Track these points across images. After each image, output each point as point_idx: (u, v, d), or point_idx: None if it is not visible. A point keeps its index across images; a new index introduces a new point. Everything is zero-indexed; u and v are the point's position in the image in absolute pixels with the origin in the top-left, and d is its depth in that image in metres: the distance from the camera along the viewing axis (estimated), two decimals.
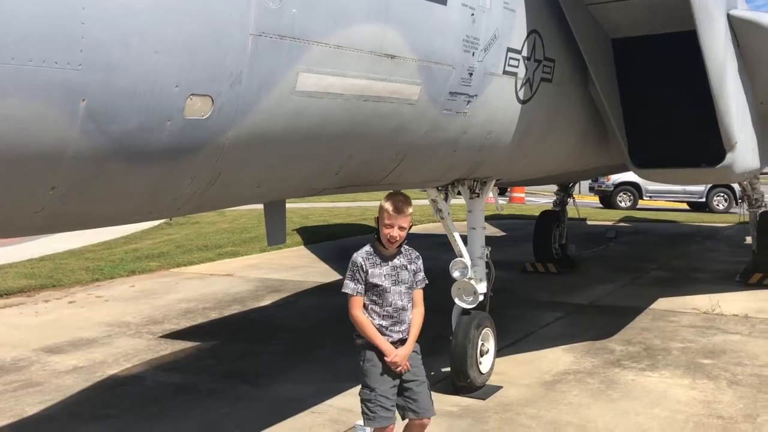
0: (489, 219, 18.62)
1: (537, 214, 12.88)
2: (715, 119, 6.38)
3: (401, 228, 3.92)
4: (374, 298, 3.98)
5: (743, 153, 7.14)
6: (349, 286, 3.99)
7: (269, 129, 3.31)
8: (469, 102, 4.86)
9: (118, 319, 8.75)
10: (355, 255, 4.03)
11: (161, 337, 7.90)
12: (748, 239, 11.45)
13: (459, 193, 6.38)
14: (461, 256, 6.10)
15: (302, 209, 21.26)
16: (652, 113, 6.92)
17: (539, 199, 26.00)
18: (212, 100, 2.93)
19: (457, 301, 6.10)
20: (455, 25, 4.44)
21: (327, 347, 7.33)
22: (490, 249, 6.37)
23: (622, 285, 10.48)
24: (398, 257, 4.05)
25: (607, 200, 24.18)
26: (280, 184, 3.88)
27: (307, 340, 7.64)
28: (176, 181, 3.08)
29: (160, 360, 7.03)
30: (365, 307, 4.00)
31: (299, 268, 12.30)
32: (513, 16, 5.16)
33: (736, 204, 21.91)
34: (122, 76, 2.61)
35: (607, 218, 19.92)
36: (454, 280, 6.10)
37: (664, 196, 23.14)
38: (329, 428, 5.23)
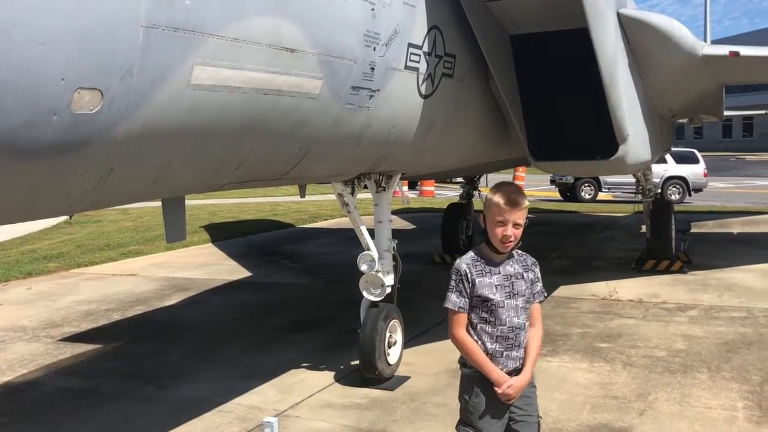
0: (399, 212, 18.83)
1: (446, 206, 13.11)
2: (608, 113, 6.69)
3: (516, 225, 3.15)
4: (485, 315, 3.21)
5: (635, 145, 7.51)
6: (451, 300, 3.22)
7: (164, 123, 3.23)
8: (371, 96, 4.90)
9: (13, 323, 8.34)
10: (458, 261, 3.29)
11: (60, 340, 7.59)
12: (644, 228, 12.02)
13: (366, 187, 6.43)
14: (368, 250, 6.15)
15: (210, 205, 20.85)
16: (550, 107, 7.17)
17: (449, 192, 26.46)
18: (102, 94, 2.84)
19: (365, 293, 6.15)
20: (355, 19, 4.46)
21: (234, 345, 7.24)
22: (396, 242, 6.44)
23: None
24: (511, 263, 3.27)
25: (569, 193, 24.50)
26: (177, 179, 3.79)
27: (214, 339, 7.51)
28: (64, 178, 2.97)
29: (59, 364, 6.76)
30: (473, 326, 3.23)
31: (207, 266, 12.07)
32: (413, 11, 5.23)
33: (689, 195, 23.00)
34: (3, 69, 2.49)
35: None
36: (361, 273, 6.15)
37: (622, 188, 23.70)
38: (236, 426, 5.17)
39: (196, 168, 3.82)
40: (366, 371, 5.91)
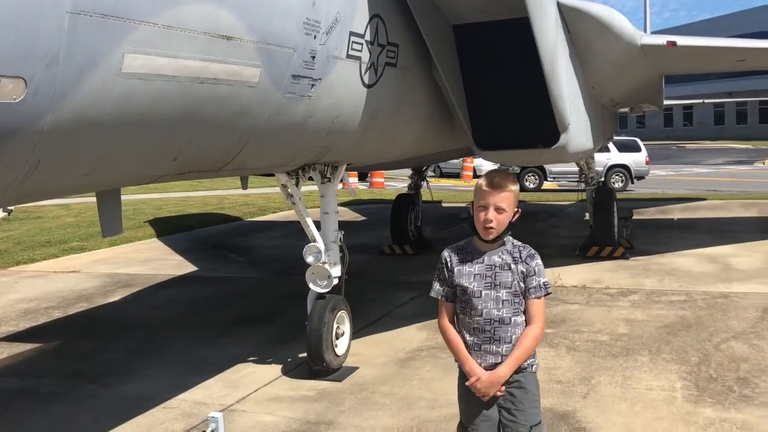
0: (349, 204, 18.78)
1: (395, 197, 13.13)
2: (550, 103, 6.76)
3: (499, 209, 2.97)
4: (463, 306, 3.09)
5: (576, 134, 7.62)
6: (434, 288, 3.17)
7: (95, 113, 3.13)
8: (313, 85, 4.85)
9: None
10: (444, 249, 3.20)
11: None
12: (587, 216, 12.26)
13: (311, 178, 6.38)
14: (314, 241, 6.10)
15: (155, 200, 20.44)
16: (493, 97, 7.21)
17: (399, 183, 26.51)
18: (25, 83, 2.73)
19: (311, 285, 6.11)
20: (295, 7, 4.40)
21: (179, 341, 7.12)
22: (343, 233, 6.41)
23: None
24: (499, 253, 3.08)
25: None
26: (111, 171, 3.68)
27: (158, 335, 7.37)
28: None
29: None
30: (456, 317, 3.14)
31: (152, 261, 11.83)
32: (354, 0, 5.19)
33: (632, 182, 23.47)
34: None
35: (460, 200, 20.65)
36: (308, 265, 6.10)
37: (566, 177, 24.05)
38: (181, 422, 5.08)
39: (131, 159, 3.72)
40: (313, 363, 5.88)
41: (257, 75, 4.16)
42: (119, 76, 3.17)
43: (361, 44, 5.39)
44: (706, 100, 50.33)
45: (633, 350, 6.30)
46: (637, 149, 23.71)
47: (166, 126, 3.67)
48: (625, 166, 23.20)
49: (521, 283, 3.06)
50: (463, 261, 3.09)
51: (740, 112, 62.76)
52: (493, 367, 3.03)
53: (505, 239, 3.10)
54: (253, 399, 5.50)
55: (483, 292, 3.04)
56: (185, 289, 9.59)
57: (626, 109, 15.05)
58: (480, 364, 3.04)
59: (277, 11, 4.21)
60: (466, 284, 3.06)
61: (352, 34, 5.20)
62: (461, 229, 14.42)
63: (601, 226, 10.98)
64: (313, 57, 4.70)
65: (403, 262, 11.18)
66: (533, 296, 3.07)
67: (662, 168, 31.95)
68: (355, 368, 6.09)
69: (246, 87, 4.12)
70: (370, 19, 5.47)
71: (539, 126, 7.14)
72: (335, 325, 6.02)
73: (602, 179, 17.12)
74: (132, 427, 5.03)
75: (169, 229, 15.41)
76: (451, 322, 3.15)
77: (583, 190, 12.60)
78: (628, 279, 9.20)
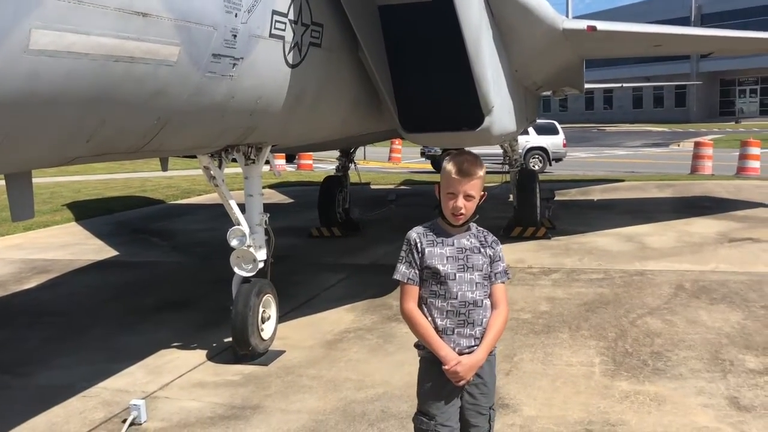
0: (276, 186, 18.55)
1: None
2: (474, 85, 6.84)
3: (468, 197, 2.94)
4: (434, 288, 3.01)
5: (500, 117, 7.74)
6: (400, 271, 3.04)
7: (0, 91, 2.97)
8: (234, 65, 4.74)
9: None
10: (409, 231, 3.08)
11: None
12: (511, 197, 12.50)
13: (234, 160, 6.26)
14: (239, 224, 6.01)
15: (74, 182, 19.69)
16: (419, 79, 7.23)
17: (327, 165, 26.39)
18: None
19: (236, 269, 6.02)
20: None
21: (99, 327, 6.91)
22: (269, 215, 6.33)
23: (399, 244, 10.96)
24: (467, 237, 3.06)
25: (438, 165, 25.10)
26: (19, 153, 3.51)
27: (77, 322, 7.14)
28: None
29: None
30: (423, 302, 3.04)
31: (70, 246, 11.40)
32: None
33: (550, 165, 24.02)
34: None
35: (389, 182, 20.73)
36: (232, 249, 6.01)
37: (490, 159, 24.39)
38: (102, 411, 4.95)
39: (41, 141, 3.56)
40: (239, 348, 5.81)
41: (175, 54, 4.04)
42: (26, 53, 3.01)
43: (285, 23, 5.30)
44: (625, 84, 52.03)
45: (554, 327, 6.48)
46: (555, 132, 24.30)
47: (79, 106, 3.52)
48: (543, 149, 23.76)
49: (488, 267, 3.05)
50: (432, 243, 3.01)
51: (657, 95, 65.23)
52: (466, 351, 2.98)
53: (470, 224, 3.09)
54: (177, 385, 5.40)
55: (457, 275, 2.99)
56: (105, 275, 9.30)
57: (549, 93, 15.38)
58: (454, 349, 2.96)
59: None
60: (440, 266, 2.98)
61: (274, 12, 5.10)
62: (390, 210, 14.51)
63: (524, 207, 11.23)
64: (234, 36, 4.59)
65: (332, 244, 11.15)
66: (499, 281, 3.08)
67: (583, 150, 32.87)
68: (282, 352, 6.06)
69: (164, 66, 4.00)
70: None
71: (464, 109, 7.21)
72: (261, 309, 5.96)
73: (523, 161, 17.49)
74: (48, 418, 4.87)
75: (89, 212, 14.89)
76: (418, 306, 3.04)
77: (507, 172, 12.84)
78: (550, 258, 9.45)
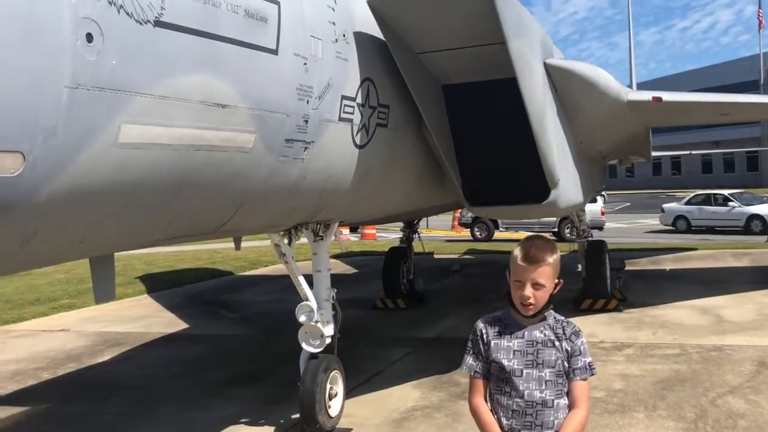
0: (341, 257, 18.70)
1: (387, 250, 13.14)
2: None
3: (537, 285, 2.73)
4: (500, 384, 2.79)
5: (566, 189, 7.71)
6: (466, 362, 2.87)
7: (90, 183, 3.16)
8: (306, 148, 4.91)
9: None
10: (478, 321, 2.92)
11: None
12: (579, 267, 12.28)
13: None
14: (307, 300, 6.09)
15: (146, 255, 20.35)
16: (484, 153, 7.30)
17: (390, 234, 26.57)
18: (24, 157, 2.77)
19: (304, 345, 6.07)
20: (288, 74, 4.49)
21: (170, 403, 7.01)
22: (336, 290, 6.40)
23: (466, 317, 10.87)
24: (541, 328, 2.83)
25: (471, 231, 25.47)
26: (105, 238, 3.70)
27: (149, 397, 7.27)
28: None
29: None
30: (490, 396, 2.83)
31: (142, 318, 11.72)
32: (346, 65, 5.30)
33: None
34: None
35: (452, 251, 20.68)
36: (300, 325, 6.08)
37: (517, 226, 24.40)
38: None
39: (125, 226, 3.74)
40: (307, 425, 5.80)
41: (251, 140, 4.22)
42: (115, 147, 3.21)
43: (353, 107, 5.48)
44: (694, 152, 51.05)
45: (629, 407, 6.25)
46: (593, 200, 24.04)
47: (161, 193, 3.70)
48: None
49: (565, 363, 2.79)
50: (500, 334, 2.81)
51: (728, 160, 63.63)
52: None
53: (546, 313, 2.84)
54: None
55: (524, 371, 2.75)
56: (176, 348, 9.49)
57: (615, 161, 15.26)
58: None
59: (271, 79, 4.30)
60: (505, 361, 2.77)
61: (344, 97, 5.29)
62: (454, 281, 14.44)
63: (593, 279, 11.01)
64: (306, 121, 4.77)
65: (396, 316, 11.13)
66: (578, 378, 2.79)
67: (653, 217, 32.14)
68: (349, 430, 6.01)
69: (240, 152, 4.18)
70: (362, 83, 5.58)
71: (529, 181, 7.22)
72: (328, 386, 5.96)
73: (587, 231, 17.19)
74: None
75: (160, 285, 15.32)
76: (485, 400, 2.84)
77: (575, 241, 12.66)
78: (622, 332, 9.18)
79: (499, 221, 24.68)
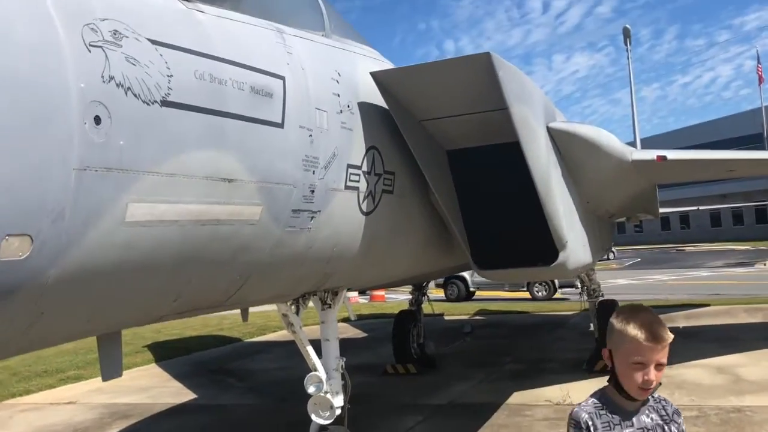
0: (349, 320, 18.52)
1: (397, 311, 13.04)
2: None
3: (659, 366, 2.51)
4: None
5: (575, 250, 7.68)
6: None
7: (98, 263, 3.16)
8: (313, 218, 4.92)
9: None
10: (576, 409, 2.66)
11: None
12: (592, 326, 12.13)
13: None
14: (315, 370, 6.01)
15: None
16: (490, 216, 7.31)
17: (400, 296, 26.41)
18: (31, 239, 2.77)
19: (313, 417, 5.95)
20: (294, 146, 4.53)
21: None
22: (345, 359, 6.32)
23: (479, 381, 10.71)
24: (646, 412, 2.64)
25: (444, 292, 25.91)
26: (112, 317, 3.67)
27: None
28: None
29: None
30: None
31: (150, 389, 11.58)
32: (351, 134, 5.36)
33: (555, 291, 24.20)
34: None
35: (463, 312, 20.50)
36: (309, 396, 5.98)
37: (490, 286, 24.58)
38: None
39: (132, 304, 3.72)
40: None
41: (258, 213, 4.23)
42: (123, 225, 3.22)
43: (359, 175, 5.51)
44: (701, 207, 51.04)
45: None
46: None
47: (167, 269, 3.69)
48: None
49: None
50: (609, 425, 2.56)
51: (736, 212, 63.49)
52: None
53: None
54: None
55: None
56: (184, 419, 9.35)
57: (623, 219, 15.24)
58: None
59: (277, 151, 4.34)
60: None
61: (349, 166, 5.33)
62: (465, 343, 14.27)
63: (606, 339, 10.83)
64: (313, 191, 4.80)
65: (407, 382, 10.96)
66: None
67: (663, 273, 31.92)
68: None
69: (247, 225, 4.18)
70: (367, 151, 5.63)
71: (537, 244, 7.20)
72: None
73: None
74: None
75: (168, 353, 15.20)
76: None
77: (586, 300, 12.53)
78: None
79: (469, 282, 24.75)
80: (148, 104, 3.28)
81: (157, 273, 3.63)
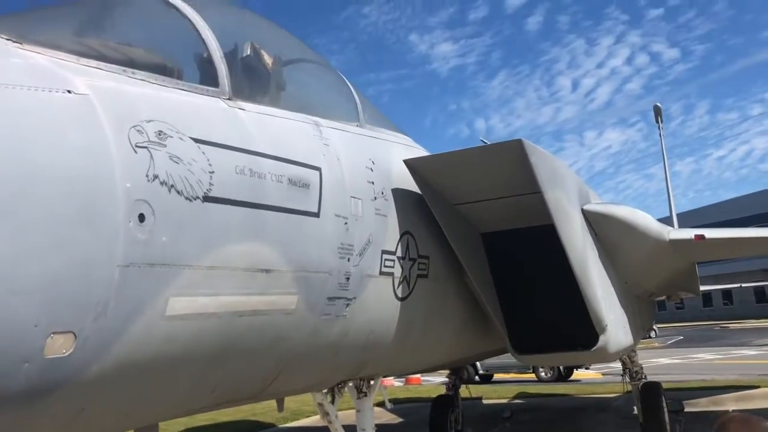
0: (385, 404, 18.10)
1: (433, 395, 12.78)
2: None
3: None
4: None
5: (615, 333, 7.52)
6: None
7: (138, 357, 3.20)
8: (348, 305, 4.93)
9: None
10: None
11: None
12: (636, 410, 11.72)
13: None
14: None
15: None
16: (528, 301, 7.24)
17: (436, 378, 25.89)
18: (75, 336, 2.83)
19: None
20: (329, 234, 4.60)
21: None
22: None
23: None
24: None
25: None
26: (150, 409, 3.68)
27: None
28: (32, 423, 2.88)
29: None
30: None
31: None
32: (385, 220, 5.43)
33: (560, 373, 23.77)
34: None
35: (501, 395, 19.98)
36: None
37: (498, 368, 24.04)
38: None
39: (170, 397, 3.73)
40: None
41: (294, 302, 4.26)
42: (163, 320, 3.27)
43: (393, 260, 5.54)
44: (744, 284, 49.81)
45: None
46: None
47: (205, 361, 3.72)
48: None
49: None
50: None
51: None
52: None
53: None
54: None
55: None
56: None
57: (663, 297, 14.94)
58: None
59: (313, 241, 4.41)
60: None
61: (384, 252, 5.37)
62: (504, 430, 13.85)
63: (651, 425, 10.50)
64: (348, 278, 4.83)
65: None
66: None
67: (707, 351, 30.91)
68: None
69: (283, 314, 4.21)
70: (401, 237, 5.68)
71: (577, 327, 7.08)
72: None
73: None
74: None
75: None
76: None
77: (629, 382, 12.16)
78: None
79: (478, 365, 24.19)
80: (190, 200, 3.39)
81: (195, 365, 3.66)
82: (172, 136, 3.38)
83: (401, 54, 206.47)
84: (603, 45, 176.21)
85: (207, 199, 3.50)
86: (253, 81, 4.65)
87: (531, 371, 24.30)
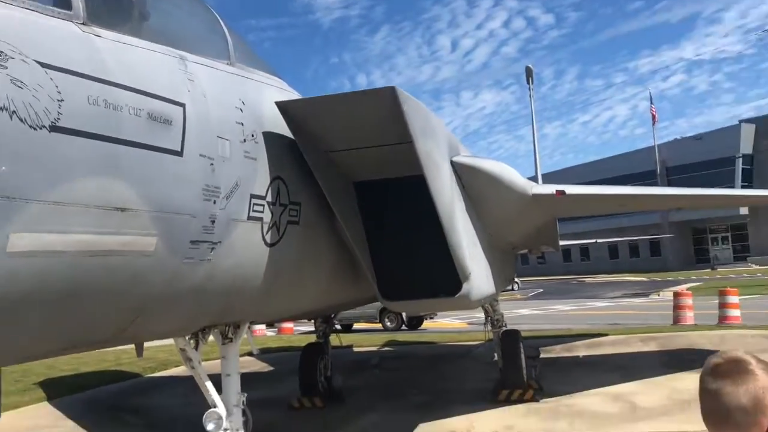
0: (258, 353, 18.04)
1: (304, 345, 12.86)
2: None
3: None
4: None
5: (478, 281, 7.81)
6: None
7: None
8: (213, 249, 4.79)
9: None
10: None
11: None
12: (496, 356, 12.33)
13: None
14: (215, 407, 5.81)
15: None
16: (396, 249, 7.36)
17: (309, 327, 26.07)
18: None
19: None
20: (193, 175, 4.42)
21: None
22: (246, 395, 6.14)
23: (386, 413, 10.67)
24: None
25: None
26: None
27: None
28: None
29: None
30: None
31: (39, 429, 10.91)
32: (255, 164, 5.29)
33: (403, 323, 25.37)
34: None
35: (372, 344, 20.43)
36: None
37: (348, 319, 25.11)
38: None
39: (15, 339, 3.49)
40: None
41: (153, 243, 4.08)
42: (4, 257, 3.04)
43: (263, 205, 5.43)
44: (599, 240, 53.41)
45: None
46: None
47: (54, 302, 3.50)
48: None
49: None
50: None
51: (632, 245, 66.61)
52: None
53: None
54: None
55: None
56: None
57: (526, 251, 15.69)
58: None
59: (175, 181, 4.22)
60: None
61: (253, 196, 5.24)
62: (373, 376, 14.20)
63: (510, 370, 11.07)
64: (213, 222, 4.68)
65: (314, 416, 10.79)
66: None
67: (564, 303, 32.98)
68: None
69: (141, 256, 4.03)
70: (272, 182, 5.56)
71: (442, 275, 7.29)
72: None
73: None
74: None
75: (62, 390, 14.35)
76: None
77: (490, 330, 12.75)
78: (540, 424, 9.18)
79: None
80: (34, 129, 3.14)
81: (42, 306, 3.44)
82: (13, 58, 3.09)
83: (283, 1, 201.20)
84: (482, 7, 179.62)
85: (54, 129, 3.25)
86: (112, 7, 4.34)
87: (378, 321, 25.60)
